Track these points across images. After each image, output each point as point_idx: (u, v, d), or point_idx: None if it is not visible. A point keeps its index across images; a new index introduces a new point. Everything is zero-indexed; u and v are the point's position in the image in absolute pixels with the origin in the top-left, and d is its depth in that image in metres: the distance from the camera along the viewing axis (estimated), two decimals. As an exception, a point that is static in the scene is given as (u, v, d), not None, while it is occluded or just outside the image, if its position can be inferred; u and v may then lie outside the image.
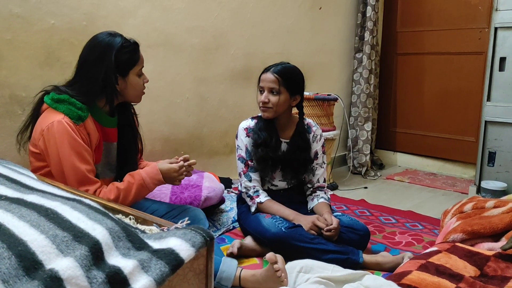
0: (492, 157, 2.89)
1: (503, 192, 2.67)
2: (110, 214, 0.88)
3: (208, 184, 2.19)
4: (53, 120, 1.43)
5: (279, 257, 1.56)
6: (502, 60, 2.81)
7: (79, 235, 0.76)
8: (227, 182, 2.73)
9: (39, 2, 1.93)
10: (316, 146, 2.08)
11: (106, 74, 1.49)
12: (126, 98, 1.61)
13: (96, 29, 2.13)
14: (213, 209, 2.30)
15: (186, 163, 1.64)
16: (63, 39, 2.02)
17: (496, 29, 2.80)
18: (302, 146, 2.02)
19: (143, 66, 1.62)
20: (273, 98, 1.93)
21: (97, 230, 0.78)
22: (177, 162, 1.63)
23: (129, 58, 1.55)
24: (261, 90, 1.96)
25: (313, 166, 2.08)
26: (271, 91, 1.93)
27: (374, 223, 2.39)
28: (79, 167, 1.44)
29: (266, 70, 1.97)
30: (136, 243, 0.80)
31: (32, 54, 1.94)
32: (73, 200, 0.92)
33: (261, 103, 1.94)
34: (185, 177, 2.26)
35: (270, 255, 1.55)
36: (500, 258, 1.62)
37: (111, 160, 1.68)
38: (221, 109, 2.88)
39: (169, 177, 1.60)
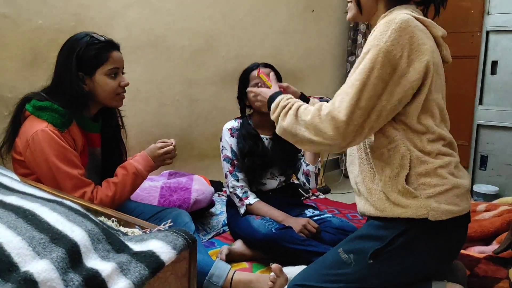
0: (484, 161, 2.89)
1: (495, 196, 2.67)
2: (91, 216, 0.86)
3: (198, 186, 2.17)
4: (37, 129, 1.40)
5: (285, 276, 1.53)
6: (494, 63, 2.81)
7: (56, 237, 0.74)
8: (217, 185, 2.71)
9: (27, 2, 1.91)
10: None
11: (70, 73, 1.46)
12: (99, 100, 1.55)
13: (85, 29, 2.09)
14: (203, 212, 2.28)
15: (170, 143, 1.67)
16: (50, 39, 1.99)
17: (488, 32, 2.81)
18: None
19: (118, 67, 1.55)
20: None
21: (76, 232, 0.76)
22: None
23: (95, 56, 1.49)
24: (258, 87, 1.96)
25: (299, 156, 2.09)
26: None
27: (366, 227, 2.38)
28: (71, 172, 1.42)
29: (255, 67, 1.98)
30: (116, 245, 0.78)
31: (19, 54, 1.91)
32: (54, 201, 0.90)
33: None
34: (175, 179, 2.26)
35: (276, 267, 1.52)
36: (491, 260, 1.61)
37: (96, 164, 1.66)
38: (212, 112, 2.86)
39: (157, 157, 1.61)
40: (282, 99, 1.34)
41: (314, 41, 3.51)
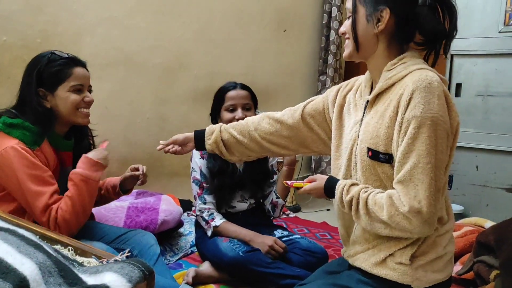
0: (449, 180, 2.95)
1: (460, 215, 2.72)
2: (45, 246, 0.83)
3: (166, 207, 2.13)
4: (6, 146, 1.38)
5: None
6: (458, 86, 2.89)
7: (4, 271, 0.71)
8: (187, 205, 2.67)
9: (-9, 18, 1.87)
10: (272, 161, 2.10)
11: (30, 89, 1.46)
12: (62, 116, 1.51)
13: (51, 46, 2.07)
14: (171, 233, 2.24)
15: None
16: (15, 56, 1.95)
17: (452, 56, 2.89)
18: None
19: (81, 84, 1.52)
20: (249, 114, 1.94)
21: (26, 265, 0.73)
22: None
23: (57, 73, 1.48)
24: (232, 109, 1.94)
25: (270, 183, 2.08)
26: (244, 107, 1.93)
27: (335, 247, 2.39)
28: (41, 190, 1.39)
29: (232, 87, 1.97)
30: (69, 278, 0.76)
31: (-19, 71, 1.86)
32: (6, 230, 0.86)
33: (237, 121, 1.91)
34: (143, 199, 2.22)
35: None
36: (454, 282, 1.63)
37: (67, 183, 1.61)
38: (183, 130, 2.79)
39: (100, 156, 1.55)
40: (343, 194, 1.21)
41: (286, 60, 3.54)
